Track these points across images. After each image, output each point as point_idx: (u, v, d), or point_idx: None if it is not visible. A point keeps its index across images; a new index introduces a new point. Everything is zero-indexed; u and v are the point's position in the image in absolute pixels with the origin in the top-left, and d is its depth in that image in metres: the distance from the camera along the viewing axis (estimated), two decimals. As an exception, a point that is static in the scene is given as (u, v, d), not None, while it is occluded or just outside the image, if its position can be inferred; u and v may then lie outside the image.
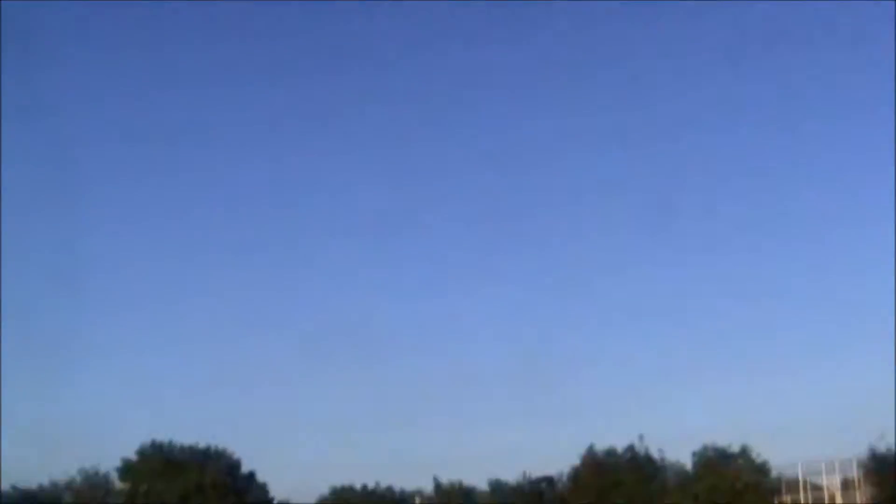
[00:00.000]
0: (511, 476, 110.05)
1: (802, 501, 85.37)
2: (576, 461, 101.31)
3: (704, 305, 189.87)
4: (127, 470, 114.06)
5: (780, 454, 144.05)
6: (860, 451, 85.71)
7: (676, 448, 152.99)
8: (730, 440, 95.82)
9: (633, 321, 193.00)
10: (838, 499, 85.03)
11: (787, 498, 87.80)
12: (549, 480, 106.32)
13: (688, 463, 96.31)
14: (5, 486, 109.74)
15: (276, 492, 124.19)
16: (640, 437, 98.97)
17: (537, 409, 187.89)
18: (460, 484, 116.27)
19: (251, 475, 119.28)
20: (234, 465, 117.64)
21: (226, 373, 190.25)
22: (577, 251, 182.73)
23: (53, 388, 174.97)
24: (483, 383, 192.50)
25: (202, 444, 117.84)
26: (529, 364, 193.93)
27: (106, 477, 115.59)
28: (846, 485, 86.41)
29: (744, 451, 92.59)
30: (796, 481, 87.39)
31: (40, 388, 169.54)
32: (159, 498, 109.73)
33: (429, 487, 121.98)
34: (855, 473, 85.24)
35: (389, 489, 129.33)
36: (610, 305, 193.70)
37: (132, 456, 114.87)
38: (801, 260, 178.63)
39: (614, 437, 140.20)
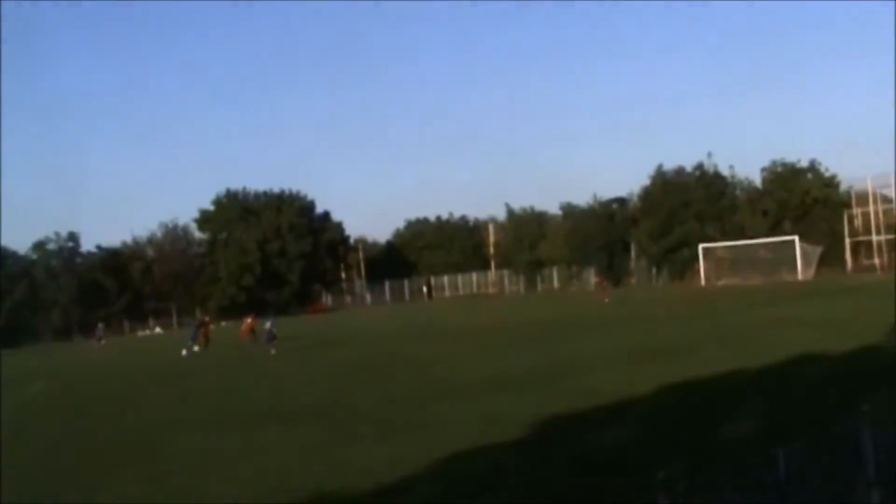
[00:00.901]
0: (582, 199, 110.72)
1: (872, 213, 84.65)
2: (646, 181, 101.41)
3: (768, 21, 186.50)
4: (205, 220, 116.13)
5: (849, 167, 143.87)
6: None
7: (745, 164, 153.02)
8: (799, 155, 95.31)
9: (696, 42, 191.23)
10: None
11: (857, 211, 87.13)
12: (620, 201, 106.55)
13: (757, 179, 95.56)
14: (88, 246, 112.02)
15: (351, 229, 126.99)
16: (709, 155, 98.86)
17: (606, 129, 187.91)
18: (532, 209, 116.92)
19: (326, 215, 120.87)
20: (308, 207, 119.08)
21: (292, 118, 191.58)
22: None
23: (128, 148, 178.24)
24: (549, 107, 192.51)
25: (276, 189, 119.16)
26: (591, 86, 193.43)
27: (185, 228, 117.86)
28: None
29: (812, 166, 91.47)
30: (865, 194, 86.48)
31: (116, 149, 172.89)
32: (238, 244, 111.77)
33: (502, 215, 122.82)
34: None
35: (463, 218, 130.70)
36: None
37: (209, 206, 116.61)
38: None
39: (683, 156, 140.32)
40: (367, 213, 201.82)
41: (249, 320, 58.13)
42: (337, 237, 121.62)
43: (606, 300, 71.52)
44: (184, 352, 53.39)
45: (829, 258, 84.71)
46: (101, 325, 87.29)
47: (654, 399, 23.02)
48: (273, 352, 48.89)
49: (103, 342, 79.23)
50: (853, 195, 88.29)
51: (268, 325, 53.67)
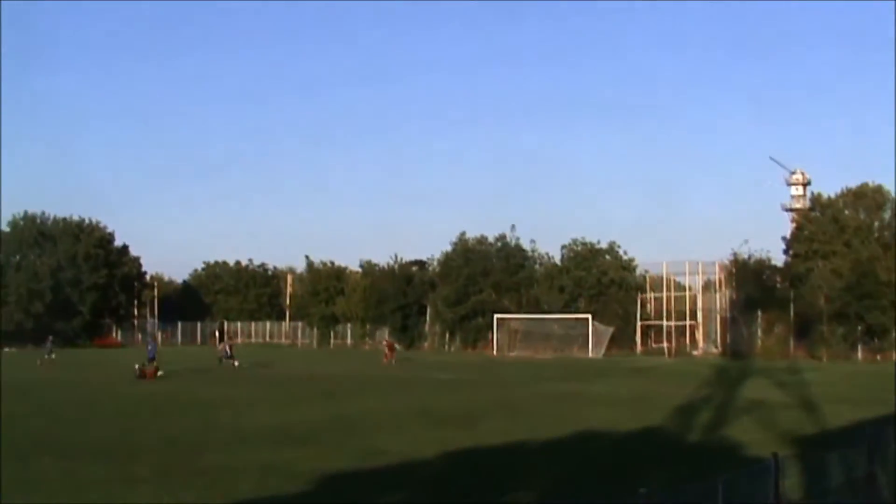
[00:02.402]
0: (382, 258, 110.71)
1: (665, 298, 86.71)
2: (447, 247, 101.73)
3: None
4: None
5: (646, 253, 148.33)
6: (723, 255, 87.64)
7: (547, 241, 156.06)
8: (598, 236, 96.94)
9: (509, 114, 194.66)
10: (699, 298, 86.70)
11: (651, 295, 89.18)
12: (420, 263, 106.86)
13: (557, 255, 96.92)
14: None
15: (148, 265, 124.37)
16: (512, 227, 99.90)
17: (409, 192, 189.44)
18: (332, 263, 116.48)
19: (124, 248, 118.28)
20: (107, 238, 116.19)
21: (97, 145, 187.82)
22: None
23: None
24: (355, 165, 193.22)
25: (76, 216, 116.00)
26: (400, 146, 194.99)
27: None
28: (708, 286, 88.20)
29: (611, 248, 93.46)
30: (660, 279, 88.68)
31: None
32: (31, 268, 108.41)
33: (301, 266, 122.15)
34: (717, 276, 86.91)
35: (263, 266, 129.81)
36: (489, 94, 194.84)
37: (4, 227, 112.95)
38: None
39: (486, 226, 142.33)
40: (166, 251, 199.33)
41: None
42: (133, 272, 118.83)
43: (385, 362, 70.46)
44: None
45: (620, 339, 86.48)
46: None
47: (439, 464, 22.90)
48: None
49: None
50: (648, 279, 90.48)
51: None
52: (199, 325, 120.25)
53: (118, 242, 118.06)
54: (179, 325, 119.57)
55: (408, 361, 70.99)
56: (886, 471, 12.09)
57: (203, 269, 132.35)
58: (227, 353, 63.80)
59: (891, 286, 71.43)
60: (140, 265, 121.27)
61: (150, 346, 59.93)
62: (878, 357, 73.10)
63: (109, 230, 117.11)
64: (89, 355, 78.76)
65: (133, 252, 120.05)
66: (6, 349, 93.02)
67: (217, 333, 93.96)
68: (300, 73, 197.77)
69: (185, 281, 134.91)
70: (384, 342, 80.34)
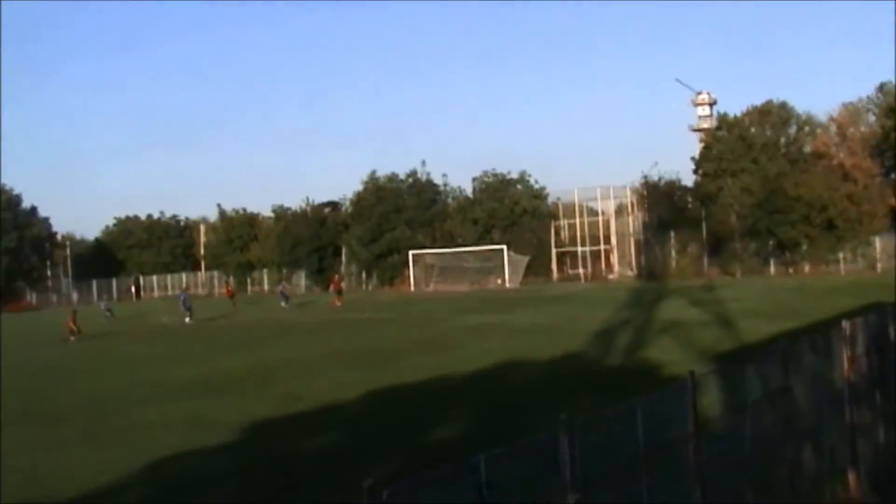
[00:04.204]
0: (294, 202, 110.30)
1: (578, 224, 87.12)
2: (359, 187, 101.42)
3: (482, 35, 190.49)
4: None
5: (557, 180, 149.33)
6: (634, 179, 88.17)
7: (458, 174, 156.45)
8: (509, 167, 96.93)
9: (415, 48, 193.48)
10: (612, 223, 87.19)
11: (564, 222, 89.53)
12: (333, 205, 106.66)
13: (469, 188, 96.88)
14: None
15: (58, 225, 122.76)
16: (423, 163, 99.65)
17: (320, 132, 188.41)
18: (244, 210, 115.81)
19: (33, 210, 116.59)
20: (14, 201, 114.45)
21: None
22: None
23: None
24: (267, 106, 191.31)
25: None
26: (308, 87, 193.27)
27: None
28: (620, 210, 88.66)
29: (522, 177, 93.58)
30: (573, 206, 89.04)
31: None
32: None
33: (214, 215, 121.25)
34: (629, 199, 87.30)
35: (174, 217, 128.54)
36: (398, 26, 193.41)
37: None
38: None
39: (397, 163, 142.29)
40: (76, 209, 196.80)
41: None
42: (44, 233, 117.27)
43: (339, 304, 69.48)
44: None
45: (536, 267, 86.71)
46: None
47: (360, 405, 23.04)
48: None
49: None
50: (560, 207, 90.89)
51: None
52: (114, 281, 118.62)
53: (25, 204, 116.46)
54: (94, 282, 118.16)
55: (325, 305, 70.81)
56: (802, 382, 12.22)
57: (115, 225, 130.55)
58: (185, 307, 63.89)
59: (800, 200, 72.20)
60: (50, 226, 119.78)
61: (182, 297, 66.31)
62: (791, 270, 73.99)
63: (16, 192, 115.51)
64: (5, 321, 77.69)
65: (42, 213, 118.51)
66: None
67: (133, 289, 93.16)
68: (207, 13, 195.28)
69: (96, 238, 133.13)
70: (335, 281, 79.38)
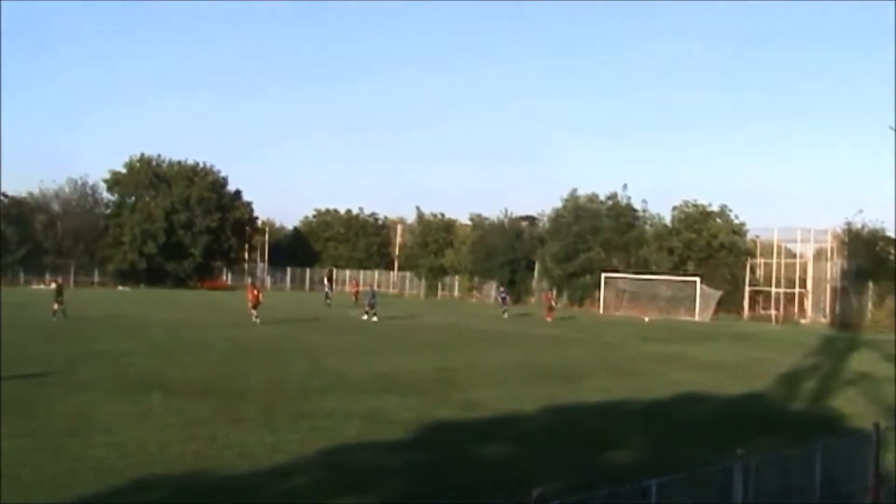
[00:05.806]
0: (492, 212, 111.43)
1: (775, 265, 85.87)
2: (558, 203, 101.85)
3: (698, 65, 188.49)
4: (115, 181, 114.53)
5: (757, 218, 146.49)
6: (836, 224, 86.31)
7: (658, 202, 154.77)
8: (710, 199, 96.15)
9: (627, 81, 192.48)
10: (810, 267, 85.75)
11: (760, 261, 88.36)
12: (530, 219, 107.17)
13: (667, 217, 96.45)
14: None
15: (260, 211, 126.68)
16: (624, 187, 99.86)
17: (524, 148, 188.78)
18: (442, 215, 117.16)
19: (237, 193, 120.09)
20: (220, 183, 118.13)
21: (217, 91, 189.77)
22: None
23: (46, 98, 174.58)
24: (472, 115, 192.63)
25: (191, 160, 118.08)
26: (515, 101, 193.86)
27: (94, 187, 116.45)
28: (819, 255, 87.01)
29: (723, 211, 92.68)
30: (771, 245, 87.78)
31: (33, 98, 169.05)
32: (146, 210, 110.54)
33: (412, 217, 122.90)
34: (829, 244, 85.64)
35: (373, 215, 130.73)
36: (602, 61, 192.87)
37: (121, 168, 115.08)
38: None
39: (598, 184, 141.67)
40: (278, 197, 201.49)
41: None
42: (245, 217, 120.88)
43: (549, 319, 68.78)
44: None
45: (728, 303, 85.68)
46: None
47: (540, 419, 23.18)
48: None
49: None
50: (759, 245, 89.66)
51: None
52: (307, 271, 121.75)
53: (231, 187, 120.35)
54: (289, 270, 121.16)
55: (518, 317, 71.17)
56: None
57: (314, 217, 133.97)
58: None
59: None
60: (252, 210, 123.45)
61: (369, 292, 66.23)
62: None
63: (223, 175, 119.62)
64: (200, 297, 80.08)
65: (245, 197, 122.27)
66: (120, 288, 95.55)
67: (326, 280, 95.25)
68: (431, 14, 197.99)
69: (295, 227, 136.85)
70: (546, 296, 79.43)
